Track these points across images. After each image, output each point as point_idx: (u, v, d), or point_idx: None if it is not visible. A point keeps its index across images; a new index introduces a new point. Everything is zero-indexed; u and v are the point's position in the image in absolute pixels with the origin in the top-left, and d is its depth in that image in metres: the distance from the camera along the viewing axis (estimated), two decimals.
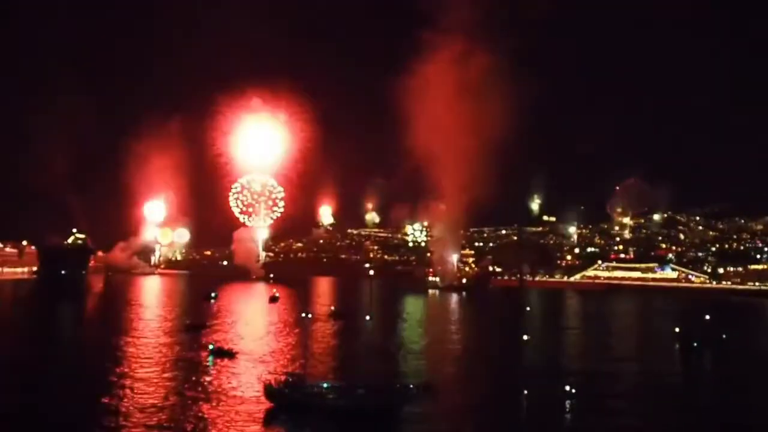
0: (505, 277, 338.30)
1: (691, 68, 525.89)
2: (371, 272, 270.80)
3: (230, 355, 75.05)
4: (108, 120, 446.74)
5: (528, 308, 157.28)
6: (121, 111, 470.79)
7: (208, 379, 62.92)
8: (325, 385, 54.53)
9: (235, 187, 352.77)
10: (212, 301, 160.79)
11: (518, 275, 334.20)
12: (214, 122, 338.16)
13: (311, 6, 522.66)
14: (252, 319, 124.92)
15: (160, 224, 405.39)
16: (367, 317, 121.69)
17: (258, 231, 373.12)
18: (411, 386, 55.74)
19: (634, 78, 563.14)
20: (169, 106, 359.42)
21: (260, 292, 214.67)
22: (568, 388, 57.49)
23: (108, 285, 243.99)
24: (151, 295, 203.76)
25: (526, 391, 59.03)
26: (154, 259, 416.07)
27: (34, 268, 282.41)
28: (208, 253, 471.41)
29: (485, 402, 56.96)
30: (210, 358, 73.68)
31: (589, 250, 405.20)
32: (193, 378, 62.84)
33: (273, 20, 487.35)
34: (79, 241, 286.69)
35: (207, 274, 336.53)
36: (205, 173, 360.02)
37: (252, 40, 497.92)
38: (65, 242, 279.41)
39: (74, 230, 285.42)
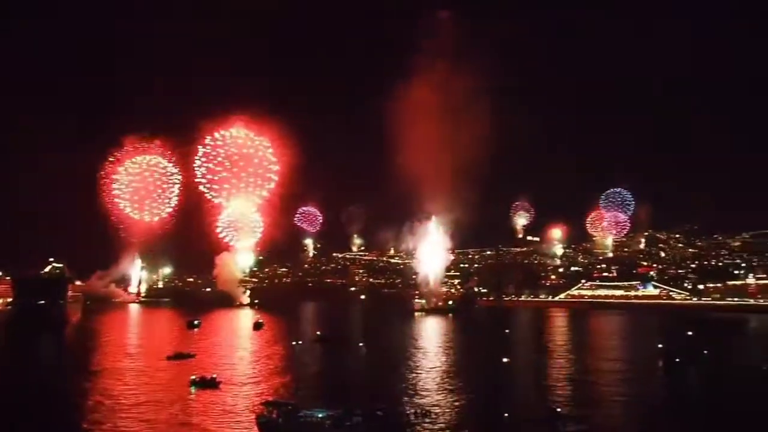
0: (491, 298, 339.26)
1: (671, 94, 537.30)
2: (362, 297, 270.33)
3: (214, 384, 74.26)
4: (87, 146, 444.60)
5: (507, 330, 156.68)
6: (101, 137, 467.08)
7: (193, 410, 62.14)
8: (320, 414, 53.59)
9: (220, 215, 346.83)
10: (195, 329, 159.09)
11: (498, 296, 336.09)
12: (196, 147, 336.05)
13: (294, 29, 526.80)
14: (237, 347, 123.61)
15: (140, 251, 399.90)
16: (360, 344, 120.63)
17: (241, 256, 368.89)
18: (407, 412, 55.32)
19: (616, 102, 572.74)
20: (151, 132, 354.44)
21: (245, 318, 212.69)
22: (558, 409, 57.44)
23: (86, 315, 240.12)
24: (132, 324, 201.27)
25: (506, 414, 58.71)
26: (134, 287, 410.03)
27: (9, 300, 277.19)
28: (191, 279, 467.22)
29: (478, 425, 56.71)
30: (193, 389, 72.85)
31: (573, 269, 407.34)
32: (179, 410, 62.04)
33: (256, 44, 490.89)
34: (57, 271, 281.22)
35: (190, 301, 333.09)
36: (188, 198, 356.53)
37: (236, 65, 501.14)
38: (42, 272, 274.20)
39: (51, 259, 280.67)
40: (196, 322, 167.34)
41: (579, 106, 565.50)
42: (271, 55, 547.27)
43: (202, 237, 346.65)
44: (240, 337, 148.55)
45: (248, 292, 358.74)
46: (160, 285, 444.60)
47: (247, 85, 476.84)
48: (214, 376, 77.85)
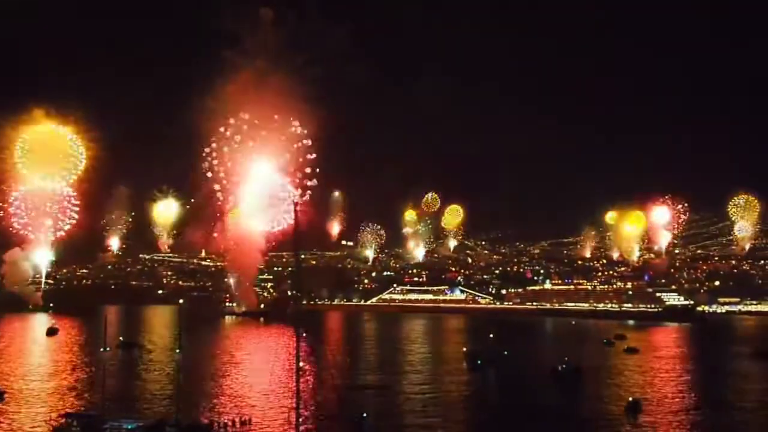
0: (304, 302, 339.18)
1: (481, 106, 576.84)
2: (181, 301, 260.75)
3: None
4: None
5: (304, 334, 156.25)
6: None
7: None
8: (128, 425, 49.77)
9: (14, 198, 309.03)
10: None
11: (308, 300, 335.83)
12: None
13: (108, 22, 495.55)
14: (27, 355, 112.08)
15: None
16: (177, 350, 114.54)
17: (35, 253, 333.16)
18: (225, 422, 53.51)
19: (429, 112, 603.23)
20: None
21: (37, 323, 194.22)
22: (365, 414, 58.21)
23: None
24: None
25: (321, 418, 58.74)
26: None
27: None
28: None
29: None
30: None
31: (385, 273, 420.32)
32: None
33: (62, 31, 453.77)
34: None
35: None
36: None
37: (41, 53, 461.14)
38: None
39: None
40: None
41: (390, 109, 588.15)
42: (79, 45, 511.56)
43: None
44: (31, 344, 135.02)
45: (41, 293, 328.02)
46: None
47: (53, 77, 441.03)
48: None
